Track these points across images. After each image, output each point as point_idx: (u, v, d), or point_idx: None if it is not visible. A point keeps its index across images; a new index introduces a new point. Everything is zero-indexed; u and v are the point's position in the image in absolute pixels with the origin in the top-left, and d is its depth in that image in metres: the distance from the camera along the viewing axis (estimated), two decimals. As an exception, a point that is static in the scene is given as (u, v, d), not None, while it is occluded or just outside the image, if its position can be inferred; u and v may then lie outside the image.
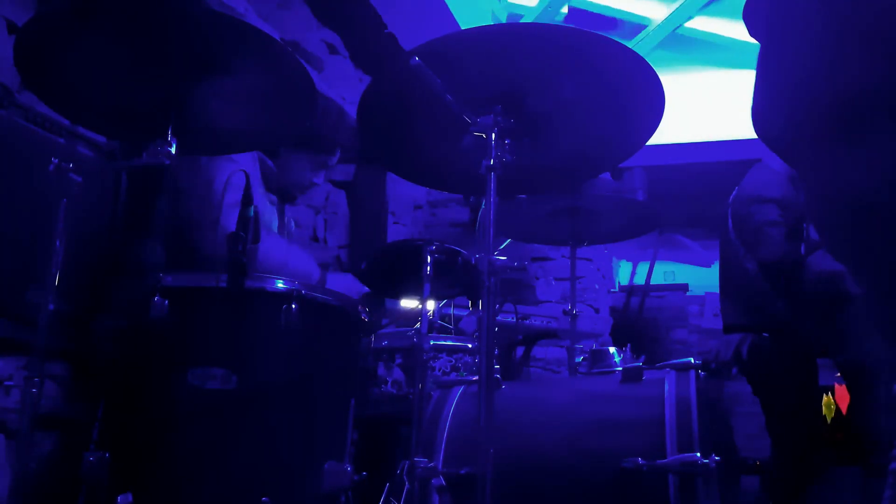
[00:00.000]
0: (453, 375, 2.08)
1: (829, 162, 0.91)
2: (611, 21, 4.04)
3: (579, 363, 2.83)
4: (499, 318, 2.78)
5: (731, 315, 3.18)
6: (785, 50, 1.01)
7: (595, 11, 4.02)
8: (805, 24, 0.95)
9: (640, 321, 6.03)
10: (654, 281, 5.76)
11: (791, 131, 0.99)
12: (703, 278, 6.81)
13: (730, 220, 3.15)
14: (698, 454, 1.38)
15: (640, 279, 6.34)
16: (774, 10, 1.03)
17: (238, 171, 2.06)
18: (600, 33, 1.30)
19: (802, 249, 3.03)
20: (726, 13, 3.97)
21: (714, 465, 1.43)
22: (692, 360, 1.63)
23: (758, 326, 3.02)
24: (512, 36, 1.36)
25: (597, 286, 4.75)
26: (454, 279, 1.87)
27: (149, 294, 1.44)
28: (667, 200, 3.21)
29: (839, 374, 3.66)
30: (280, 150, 2.28)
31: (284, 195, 2.40)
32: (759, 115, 1.06)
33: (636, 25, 4.14)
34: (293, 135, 2.19)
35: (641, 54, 1.33)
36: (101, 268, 2.01)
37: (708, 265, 7.46)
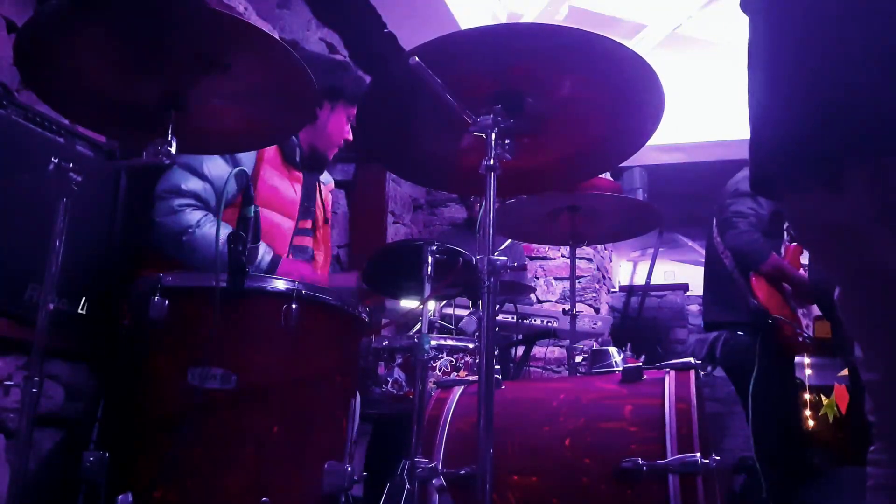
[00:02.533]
0: (453, 375, 2.08)
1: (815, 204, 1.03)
2: (611, 21, 4.03)
3: (579, 363, 2.83)
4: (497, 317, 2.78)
5: (711, 312, 3.30)
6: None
7: (595, 11, 4.00)
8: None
9: (640, 321, 6.03)
10: (654, 281, 5.76)
11: (784, 183, 1.06)
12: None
13: (714, 218, 3.26)
14: (698, 454, 1.38)
15: (640, 279, 6.34)
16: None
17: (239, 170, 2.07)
18: (600, 33, 1.29)
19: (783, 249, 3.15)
20: (726, 13, 3.97)
21: (714, 464, 1.43)
22: (692, 360, 1.63)
23: (734, 324, 3.09)
24: (512, 36, 1.36)
25: (597, 286, 4.75)
26: (453, 278, 1.87)
27: (149, 294, 1.44)
28: (667, 200, 3.22)
29: (842, 374, 3.68)
30: (317, 111, 2.27)
31: (318, 162, 2.36)
32: (762, 168, 1.08)
33: (636, 25, 4.13)
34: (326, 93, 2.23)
35: (641, 54, 1.33)
36: (100, 267, 2.01)
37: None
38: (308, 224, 2.38)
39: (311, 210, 2.39)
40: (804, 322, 3.16)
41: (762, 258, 3.03)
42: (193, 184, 2.04)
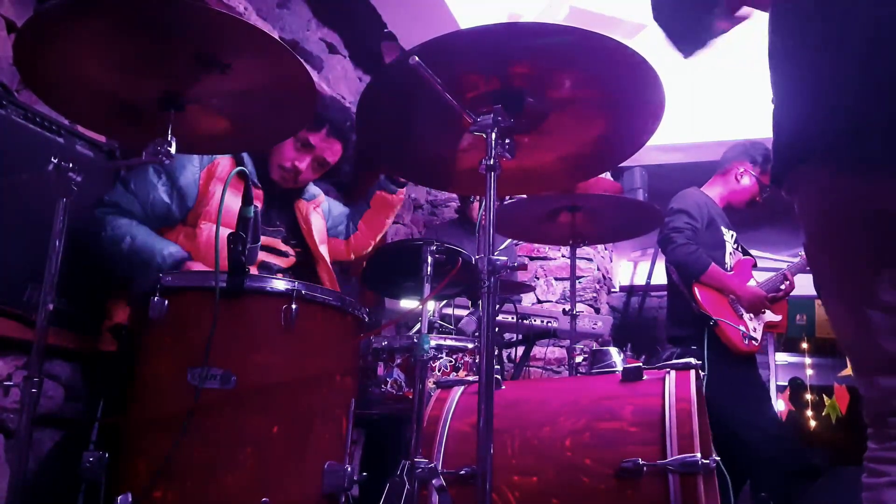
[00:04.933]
0: (453, 375, 2.08)
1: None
2: (611, 21, 4.03)
3: (579, 363, 2.83)
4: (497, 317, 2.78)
5: (669, 329, 3.42)
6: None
7: (595, 11, 4.00)
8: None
9: (641, 321, 6.03)
10: (654, 281, 5.76)
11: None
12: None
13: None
14: (698, 454, 1.38)
15: (640, 279, 6.35)
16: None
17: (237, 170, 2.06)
18: (601, 33, 1.29)
19: (730, 260, 3.24)
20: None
21: (714, 465, 1.43)
22: (692, 360, 1.63)
23: (688, 338, 3.16)
24: (512, 35, 1.36)
25: (597, 286, 4.75)
26: (450, 278, 1.87)
27: (149, 294, 1.44)
28: (667, 200, 3.23)
29: (843, 374, 3.66)
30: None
31: (273, 193, 2.26)
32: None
33: (636, 25, 4.13)
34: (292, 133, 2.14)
35: (642, 54, 1.33)
36: (99, 268, 2.01)
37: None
38: (276, 242, 2.25)
39: (280, 229, 2.28)
40: (752, 326, 3.20)
41: (702, 268, 3.13)
42: (116, 195, 2.02)
